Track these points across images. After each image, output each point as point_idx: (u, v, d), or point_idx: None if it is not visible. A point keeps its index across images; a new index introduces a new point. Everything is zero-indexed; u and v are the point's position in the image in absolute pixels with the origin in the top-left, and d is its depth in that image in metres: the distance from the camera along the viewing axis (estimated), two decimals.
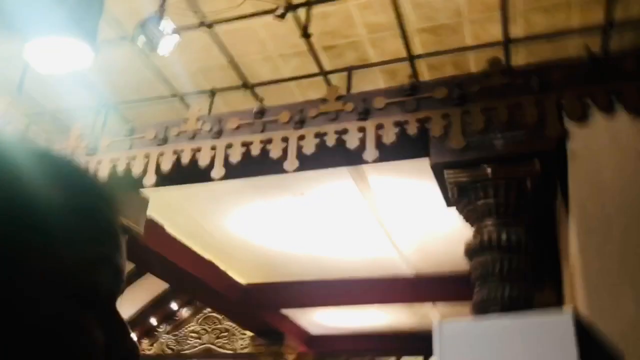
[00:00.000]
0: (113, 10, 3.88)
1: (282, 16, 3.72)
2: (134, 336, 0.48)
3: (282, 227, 5.19)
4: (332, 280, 6.21)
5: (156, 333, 9.07)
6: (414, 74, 4.38)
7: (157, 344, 8.98)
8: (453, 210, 3.26)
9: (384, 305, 6.49)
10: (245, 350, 8.22)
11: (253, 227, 5.22)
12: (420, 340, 7.42)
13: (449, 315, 6.62)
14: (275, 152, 3.44)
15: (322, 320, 7.41)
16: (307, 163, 3.42)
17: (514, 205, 2.97)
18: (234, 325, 8.49)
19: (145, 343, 9.01)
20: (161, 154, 3.73)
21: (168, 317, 8.95)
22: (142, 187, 3.87)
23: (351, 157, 3.39)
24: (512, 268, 2.82)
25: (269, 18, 3.89)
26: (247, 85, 4.67)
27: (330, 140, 3.34)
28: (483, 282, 2.86)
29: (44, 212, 0.43)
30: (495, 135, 3.02)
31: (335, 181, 4.36)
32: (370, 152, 3.22)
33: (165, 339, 8.95)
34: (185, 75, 4.51)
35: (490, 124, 3.05)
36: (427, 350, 7.10)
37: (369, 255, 5.59)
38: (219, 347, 8.60)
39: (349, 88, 4.23)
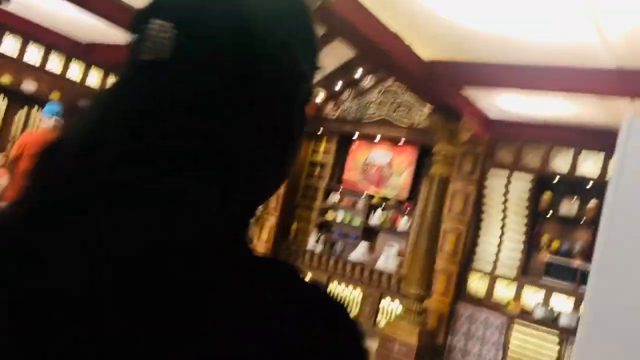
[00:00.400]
0: None
1: None
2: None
3: (475, 2, 4.88)
4: (519, 65, 5.91)
5: (340, 99, 9.65)
6: None
7: (340, 109, 9.61)
8: None
9: (573, 95, 6.11)
10: (421, 126, 8.52)
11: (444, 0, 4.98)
12: (606, 136, 7.04)
13: None
14: None
15: (503, 104, 7.26)
16: None
17: None
18: (412, 100, 8.69)
19: (329, 107, 9.70)
20: None
21: (352, 85, 9.39)
22: None
23: None
24: None
25: None
26: None
27: None
28: None
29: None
30: None
31: None
32: None
33: (347, 106, 9.52)
34: None
35: None
36: (611, 148, 6.80)
37: (566, 40, 5.13)
38: (396, 119, 8.99)
39: None
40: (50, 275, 0.47)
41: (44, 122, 5.72)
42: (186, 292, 0.48)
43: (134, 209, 0.48)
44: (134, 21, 0.55)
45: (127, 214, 0.48)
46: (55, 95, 9.46)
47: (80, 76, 9.98)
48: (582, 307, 7.19)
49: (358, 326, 0.58)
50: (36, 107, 9.49)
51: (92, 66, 10.04)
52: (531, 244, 7.83)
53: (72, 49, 9.50)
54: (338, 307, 0.57)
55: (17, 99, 9.24)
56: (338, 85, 9.38)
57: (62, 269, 0.47)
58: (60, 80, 9.61)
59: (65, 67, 9.72)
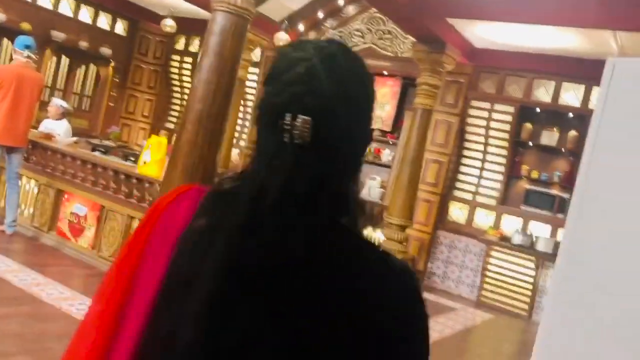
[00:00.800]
0: None
1: None
2: None
3: None
4: None
5: (322, 27, 9.44)
6: None
7: (323, 38, 9.41)
8: None
9: (557, 27, 6.05)
10: (405, 55, 8.41)
11: None
12: (587, 67, 7.05)
13: (631, 47, 6.08)
14: None
15: (488, 34, 7.17)
16: None
17: None
18: (397, 28, 8.53)
19: (312, 36, 9.49)
20: None
21: (335, 13, 9.17)
22: None
23: None
24: None
25: None
26: None
27: None
28: None
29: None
30: None
31: None
32: None
33: (331, 34, 9.32)
34: None
35: None
36: (592, 79, 6.80)
37: None
38: (381, 48, 8.85)
39: None
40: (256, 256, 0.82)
41: (16, 55, 5.56)
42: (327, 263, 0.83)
43: (285, 233, 0.83)
44: (274, 114, 0.85)
45: (280, 233, 0.83)
46: (26, 26, 9.12)
47: (52, 4, 9.59)
48: (559, 233, 7.43)
49: (420, 286, 0.92)
50: (5, 39, 9.17)
51: None
52: (511, 173, 7.97)
53: None
54: (410, 273, 0.91)
55: None
56: (320, 14, 9.16)
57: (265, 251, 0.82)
58: (30, 9, 9.23)
59: None
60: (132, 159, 5.56)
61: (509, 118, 7.79)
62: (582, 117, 7.35)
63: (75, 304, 4.13)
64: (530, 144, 7.87)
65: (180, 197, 0.98)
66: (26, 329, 3.55)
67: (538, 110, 7.77)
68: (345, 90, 0.89)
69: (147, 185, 4.88)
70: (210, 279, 0.83)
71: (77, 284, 4.70)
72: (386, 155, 8.95)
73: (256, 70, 9.74)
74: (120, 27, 10.81)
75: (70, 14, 9.89)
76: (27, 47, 5.57)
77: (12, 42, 9.08)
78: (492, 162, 8.05)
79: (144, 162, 4.91)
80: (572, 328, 1.91)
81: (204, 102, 3.57)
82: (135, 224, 5.09)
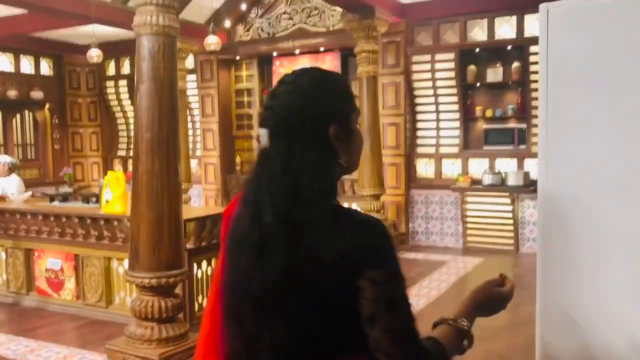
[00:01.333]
0: None
1: None
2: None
3: None
4: None
5: (249, 19, 9.31)
6: None
7: (252, 29, 9.29)
8: None
9: None
10: (338, 27, 8.36)
11: None
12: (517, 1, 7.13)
13: None
14: None
15: None
16: None
17: None
18: (323, 2, 8.47)
19: (240, 29, 9.36)
20: None
21: (257, 1, 9.05)
22: None
23: None
24: None
25: None
26: None
27: None
28: None
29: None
30: None
31: None
32: None
33: (259, 23, 9.21)
34: None
35: None
36: (522, 8, 6.83)
37: None
38: (312, 25, 8.78)
39: None
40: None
41: None
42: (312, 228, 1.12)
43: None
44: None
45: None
46: None
47: None
48: (526, 164, 7.59)
49: (386, 229, 1.19)
50: None
51: None
52: (466, 117, 8.06)
53: None
54: (376, 221, 1.18)
55: None
56: (243, 6, 9.02)
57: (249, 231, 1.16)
58: None
59: None
60: (94, 199, 5.42)
61: (451, 65, 7.85)
62: (521, 47, 7.46)
63: None
64: (478, 84, 7.97)
65: (233, 203, 1.29)
66: None
67: (477, 50, 7.84)
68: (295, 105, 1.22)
69: (115, 223, 4.77)
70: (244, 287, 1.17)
71: (71, 338, 4.60)
72: None
73: (193, 77, 9.58)
74: (45, 67, 10.47)
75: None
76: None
77: None
78: (445, 111, 8.13)
79: (107, 201, 4.80)
80: (566, 252, 1.95)
81: (151, 130, 3.48)
82: (114, 264, 4.99)
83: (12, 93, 9.65)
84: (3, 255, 5.75)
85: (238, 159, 9.80)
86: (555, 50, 1.72)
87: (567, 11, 1.61)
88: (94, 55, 8.12)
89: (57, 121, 10.57)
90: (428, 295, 5.62)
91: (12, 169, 6.60)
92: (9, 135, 9.96)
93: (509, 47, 7.64)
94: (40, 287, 5.48)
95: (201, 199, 9.80)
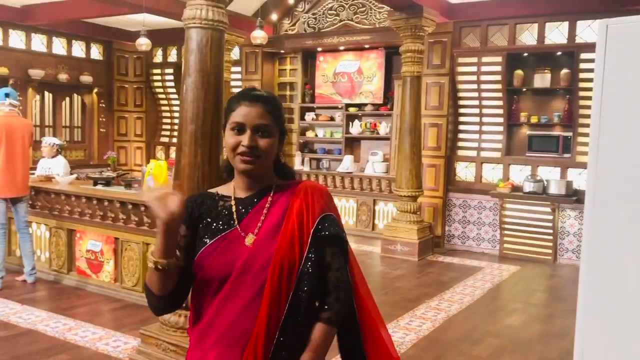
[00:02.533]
0: None
1: None
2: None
3: None
4: None
5: (296, 13, 9.33)
6: None
7: (298, 24, 9.31)
8: None
9: None
10: (384, 24, 8.31)
11: None
12: (571, 3, 6.95)
13: None
14: None
15: None
16: None
17: None
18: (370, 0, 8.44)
19: (286, 23, 9.39)
20: None
21: None
22: None
23: None
24: None
25: None
26: None
27: None
28: None
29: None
30: None
31: None
32: None
33: (305, 17, 9.22)
34: None
35: None
36: (575, 14, 6.63)
37: None
38: (357, 22, 8.75)
39: None
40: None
41: (1, 106, 5.54)
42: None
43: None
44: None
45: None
46: (3, 70, 9.06)
47: (24, 43, 9.51)
48: (569, 173, 7.41)
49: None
50: None
51: (35, 31, 9.54)
52: (511, 122, 7.91)
53: (8, 14, 8.96)
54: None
55: None
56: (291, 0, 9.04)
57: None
58: (3, 53, 9.16)
59: (5, 35, 9.23)
60: (136, 185, 5.55)
61: (498, 68, 7.71)
62: (571, 53, 7.27)
63: (110, 342, 4.16)
64: (524, 89, 7.81)
65: None
66: None
67: (526, 54, 7.68)
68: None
69: None
70: None
71: (107, 320, 4.73)
72: (383, 127, 8.91)
73: (238, 68, 9.67)
74: (95, 52, 10.73)
75: (43, 49, 9.81)
76: (7, 95, 5.53)
77: None
78: (489, 114, 8.00)
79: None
80: (612, 265, 1.89)
81: (195, 122, 3.53)
82: (151, 250, 5.09)
83: (62, 76, 9.93)
84: (47, 234, 5.94)
85: None
86: (611, 65, 1.68)
87: (626, 28, 1.56)
88: (143, 44, 8.29)
89: (104, 105, 10.83)
90: (461, 301, 5.55)
91: (58, 150, 6.79)
92: (58, 117, 10.27)
93: (559, 53, 7.46)
94: (80, 268, 5.64)
95: None
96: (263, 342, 1.42)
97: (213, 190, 1.65)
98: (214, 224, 1.55)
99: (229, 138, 1.53)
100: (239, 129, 1.52)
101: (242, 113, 1.52)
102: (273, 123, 1.55)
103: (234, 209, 1.56)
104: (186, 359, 1.58)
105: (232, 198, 1.59)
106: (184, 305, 3.54)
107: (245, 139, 1.50)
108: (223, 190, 1.63)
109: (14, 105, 5.57)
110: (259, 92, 1.58)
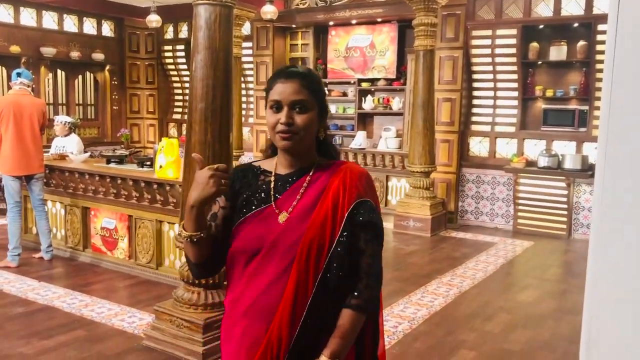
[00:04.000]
0: None
1: None
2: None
3: None
4: None
5: None
6: None
7: None
8: None
9: None
10: None
11: None
12: None
13: None
14: None
15: None
16: None
17: None
18: None
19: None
20: None
21: None
22: None
23: None
24: None
25: None
26: None
27: None
28: None
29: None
30: None
31: None
32: None
33: None
34: None
35: None
36: None
37: None
38: None
39: None
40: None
41: (13, 86, 5.57)
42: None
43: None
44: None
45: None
46: (15, 49, 9.07)
47: (35, 21, 9.50)
48: (585, 147, 7.31)
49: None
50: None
51: (46, 9, 9.53)
52: (525, 96, 7.79)
53: None
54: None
55: None
56: None
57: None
58: (15, 31, 9.16)
59: (16, 13, 9.23)
60: (148, 163, 5.57)
61: (513, 41, 7.56)
62: (588, 25, 7.11)
63: (126, 318, 4.23)
64: (540, 62, 7.67)
65: None
66: (85, 352, 3.64)
67: (541, 26, 7.53)
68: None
69: (168, 188, 4.90)
70: None
71: (122, 296, 4.79)
72: (396, 103, 8.82)
73: (249, 44, 9.59)
74: (107, 29, 10.70)
75: (55, 27, 9.80)
76: (19, 74, 5.56)
77: (5, 67, 9.09)
78: (503, 88, 7.88)
79: (160, 166, 4.91)
80: (623, 240, 1.84)
81: (205, 100, 3.52)
82: (165, 227, 5.14)
83: (75, 54, 9.93)
84: (62, 211, 6.01)
85: None
86: (625, 29, 1.61)
87: None
88: (153, 20, 8.24)
89: (116, 83, 10.84)
90: (473, 277, 5.55)
91: (72, 128, 6.84)
92: (71, 95, 10.30)
93: (576, 24, 7.30)
94: (95, 245, 5.71)
95: None
96: (288, 320, 1.44)
97: (257, 164, 1.67)
98: (252, 198, 1.58)
99: (268, 117, 1.55)
100: (277, 106, 1.53)
101: (278, 90, 1.53)
102: (310, 98, 1.54)
103: (272, 185, 1.58)
104: (221, 325, 1.64)
105: (273, 174, 1.59)
106: (196, 283, 3.57)
107: (282, 116, 1.51)
108: (266, 165, 1.65)
109: (26, 85, 5.58)
110: (294, 68, 1.59)
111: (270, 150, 1.67)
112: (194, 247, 1.55)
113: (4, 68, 9.10)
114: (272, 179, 1.60)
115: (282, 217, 1.52)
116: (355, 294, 1.49)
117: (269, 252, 1.49)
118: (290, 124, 1.51)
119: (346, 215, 1.50)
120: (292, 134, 1.52)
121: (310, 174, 1.58)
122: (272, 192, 1.57)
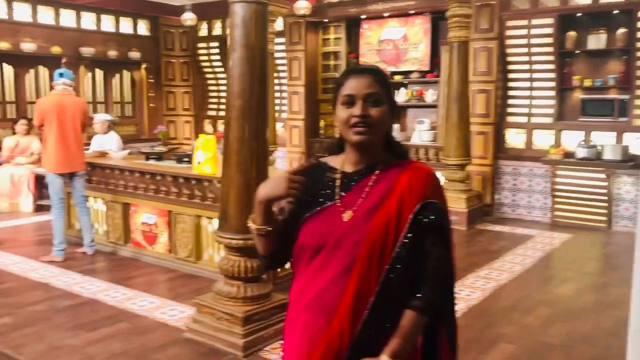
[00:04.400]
0: None
1: None
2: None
3: None
4: None
5: None
6: None
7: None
8: None
9: None
10: None
11: None
12: None
13: None
14: None
15: None
16: None
17: None
18: None
19: None
20: None
21: None
22: None
23: None
24: None
25: None
26: None
27: None
28: None
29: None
30: None
31: None
32: None
33: None
34: None
35: None
36: None
37: None
38: None
39: None
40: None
41: (55, 86, 5.74)
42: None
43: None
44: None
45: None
46: (56, 49, 9.32)
47: (75, 22, 9.74)
48: (625, 137, 7.14)
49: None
50: (41, 66, 9.40)
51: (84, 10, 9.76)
52: (563, 86, 7.65)
53: None
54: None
55: (20, 62, 9.16)
56: None
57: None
58: (56, 32, 9.42)
59: (57, 15, 9.48)
60: (186, 160, 5.68)
61: (549, 30, 7.43)
62: (629, 12, 6.94)
63: (167, 311, 4.33)
64: (577, 51, 7.51)
65: None
66: (129, 345, 3.75)
67: (579, 15, 7.37)
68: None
69: (206, 184, 4.99)
70: None
71: (163, 290, 4.91)
72: (430, 95, 8.76)
73: (282, 40, 9.65)
74: (142, 28, 10.90)
75: (93, 27, 10.04)
76: (61, 75, 5.73)
77: (47, 68, 9.36)
78: (540, 79, 7.75)
79: (198, 162, 5.01)
80: None
81: (242, 97, 3.57)
82: (203, 222, 5.23)
83: (112, 53, 10.16)
84: (103, 207, 6.18)
85: (322, 123, 9.87)
86: None
87: None
88: (188, 18, 8.36)
89: (152, 80, 11.05)
90: (511, 270, 5.50)
91: (110, 126, 7.01)
92: (109, 94, 10.54)
93: (615, 12, 7.12)
94: (135, 239, 5.86)
95: (285, 161, 10.00)
96: (349, 318, 1.45)
97: (324, 160, 1.68)
98: (318, 195, 1.59)
99: (340, 112, 1.56)
100: (350, 101, 1.54)
101: (351, 85, 1.55)
102: (383, 93, 1.55)
103: (338, 182, 1.59)
104: (285, 316, 1.67)
105: (340, 171, 1.61)
106: (236, 276, 3.63)
107: (356, 109, 1.52)
108: (333, 161, 1.65)
109: (68, 84, 5.75)
110: (365, 65, 1.69)
111: (336, 148, 1.67)
112: (262, 240, 1.61)
113: (46, 68, 9.37)
114: (338, 176, 1.60)
115: (347, 215, 1.53)
116: (419, 295, 1.48)
117: (332, 249, 1.51)
118: (365, 116, 1.52)
119: (411, 216, 1.48)
120: (367, 127, 1.52)
121: (377, 172, 1.58)
122: (337, 190, 1.58)
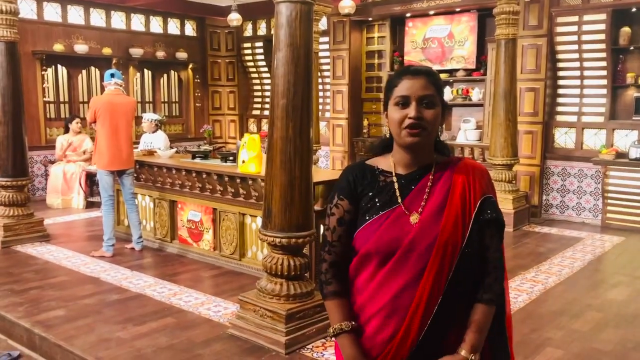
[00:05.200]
0: None
1: None
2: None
3: None
4: None
5: None
6: None
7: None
8: None
9: None
10: None
11: None
12: None
13: None
14: None
15: None
16: None
17: None
18: None
19: None
20: None
21: None
22: None
23: None
24: None
25: None
26: None
27: None
28: None
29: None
30: None
31: None
32: None
33: None
34: None
35: None
36: None
37: None
38: None
39: None
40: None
41: (106, 87, 5.92)
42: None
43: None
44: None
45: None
46: (107, 51, 9.59)
47: (124, 24, 10.00)
48: None
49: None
50: (93, 67, 9.69)
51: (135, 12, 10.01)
52: (615, 84, 7.40)
53: None
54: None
55: (73, 63, 9.46)
56: None
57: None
58: (107, 34, 9.69)
59: (108, 17, 9.75)
60: (231, 158, 5.75)
61: (602, 26, 7.19)
62: None
63: (212, 307, 4.40)
64: (632, 48, 7.25)
65: None
66: (175, 339, 3.83)
67: (634, 10, 7.11)
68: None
69: (250, 182, 5.04)
70: None
71: (208, 286, 4.99)
72: (476, 94, 8.61)
73: (326, 39, 9.66)
74: (189, 29, 11.11)
75: (142, 29, 10.28)
76: (112, 75, 5.89)
77: (98, 68, 9.65)
78: (591, 77, 7.52)
79: (243, 161, 5.07)
80: None
81: (286, 97, 3.59)
82: (247, 219, 5.29)
83: (160, 54, 10.39)
84: (151, 204, 6.32)
85: (365, 122, 9.83)
86: None
87: None
88: (234, 19, 8.47)
89: (198, 80, 11.24)
90: (559, 273, 5.35)
91: (158, 125, 7.17)
92: (157, 94, 10.78)
93: None
94: (181, 236, 5.98)
95: (328, 160, 10.01)
96: (420, 318, 1.48)
97: (372, 163, 1.66)
98: (377, 199, 1.58)
99: (393, 114, 1.55)
100: (403, 102, 1.53)
101: (405, 86, 1.53)
102: (436, 94, 1.55)
103: (396, 185, 1.57)
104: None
105: (393, 174, 1.59)
106: (279, 274, 3.65)
107: (411, 110, 1.51)
108: (382, 164, 1.63)
109: (119, 84, 5.92)
110: (418, 66, 1.64)
111: (380, 148, 1.66)
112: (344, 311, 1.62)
113: (97, 69, 9.65)
114: (394, 179, 1.59)
115: (414, 219, 1.53)
116: (486, 288, 1.53)
117: (405, 254, 1.50)
118: (420, 118, 1.51)
119: (474, 213, 1.51)
120: (421, 129, 1.51)
121: (433, 172, 1.58)
122: (397, 193, 1.57)
